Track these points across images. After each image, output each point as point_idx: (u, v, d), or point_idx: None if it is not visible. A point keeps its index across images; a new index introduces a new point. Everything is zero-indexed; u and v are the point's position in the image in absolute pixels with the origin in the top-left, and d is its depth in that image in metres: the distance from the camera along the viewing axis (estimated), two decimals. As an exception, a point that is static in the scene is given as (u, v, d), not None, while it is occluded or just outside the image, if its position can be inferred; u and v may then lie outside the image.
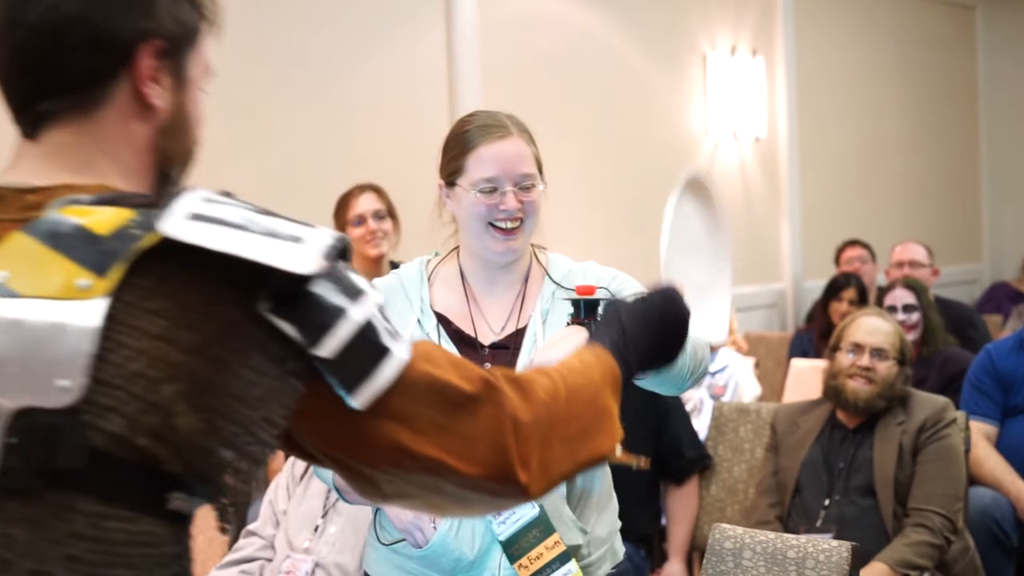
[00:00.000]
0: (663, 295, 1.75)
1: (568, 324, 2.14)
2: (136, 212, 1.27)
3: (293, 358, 1.28)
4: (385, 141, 5.56)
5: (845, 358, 4.04)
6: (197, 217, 1.26)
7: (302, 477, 3.30)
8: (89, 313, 1.21)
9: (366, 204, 4.75)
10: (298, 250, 1.26)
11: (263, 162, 5.02)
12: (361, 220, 4.72)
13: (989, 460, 4.56)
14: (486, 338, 2.51)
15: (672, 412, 4.44)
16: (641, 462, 1.74)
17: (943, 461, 3.84)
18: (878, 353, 4.00)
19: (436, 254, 2.64)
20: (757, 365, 6.34)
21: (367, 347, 1.30)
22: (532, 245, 2.58)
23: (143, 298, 1.23)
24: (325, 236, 1.29)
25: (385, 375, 1.30)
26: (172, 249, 1.24)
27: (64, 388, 1.21)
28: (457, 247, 2.61)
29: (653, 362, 1.71)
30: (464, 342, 2.49)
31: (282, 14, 5.24)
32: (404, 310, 2.51)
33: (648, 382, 2.38)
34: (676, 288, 1.77)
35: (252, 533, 3.31)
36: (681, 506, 4.45)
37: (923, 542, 3.68)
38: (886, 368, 3.97)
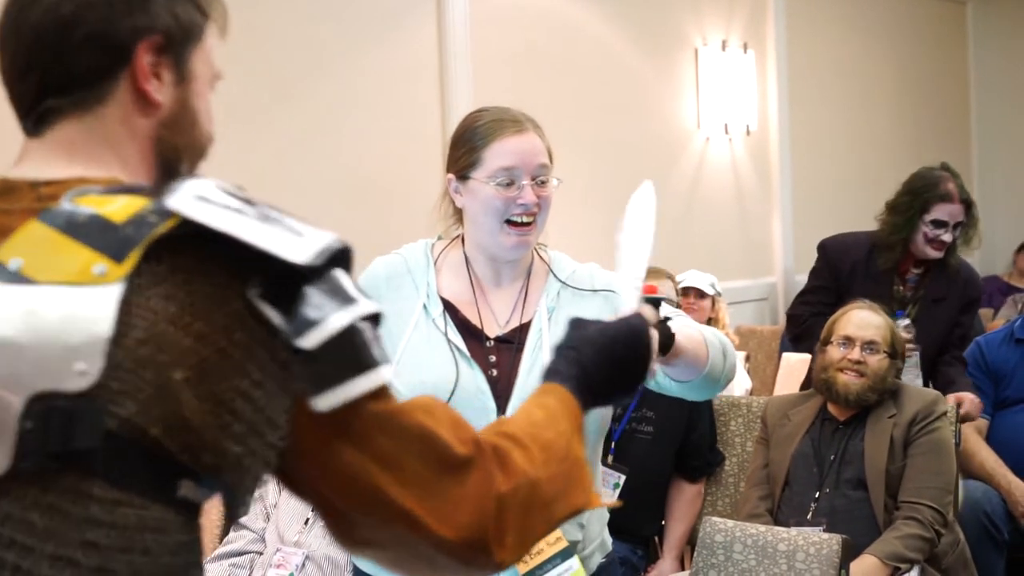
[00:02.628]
0: (629, 327, 1.71)
1: None
2: (150, 200, 1.30)
3: (294, 363, 1.30)
4: (376, 136, 5.56)
5: (836, 351, 4.04)
6: (203, 199, 1.29)
7: (293, 471, 3.30)
8: (106, 298, 1.23)
9: None
10: (296, 242, 1.28)
11: (252, 157, 5.01)
12: None
13: (980, 453, 4.57)
14: (492, 330, 2.50)
15: (704, 409, 4.45)
16: (615, 502, 1.78)
17: (934, 454, 3.84)
18: (869, 346, 4.00)
19: (439, 238, 2.62)
20: (748, 359, 6.35)
21: (350, 352, 1.30)
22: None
23: (155, 283, 1.25)
24: (327, 237, 1.30)
25: (359, 386, 1.30)
26: (185, 238, 1.27)
27: (82, 372, 1.23)
28: (461, 235, 2.58)
29: (608, 398, 1.68)
30: (470, 332, 2.49)
31: (272, 8, 5.23)
32: (410, 294, 2.50)
33: (678, 389, 2.41)
34: (642, 319, 1.74)
35: (242, 527, 3.31)
36: (687, 504, 4.44)
37: (913, 535, 3.68)
38: (877, 361, 3.98)
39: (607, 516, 2.61)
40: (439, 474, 1.34)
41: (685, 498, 4.45)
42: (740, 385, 5.62)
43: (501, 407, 2.42)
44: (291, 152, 5.17)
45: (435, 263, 2.55)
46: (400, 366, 2.43)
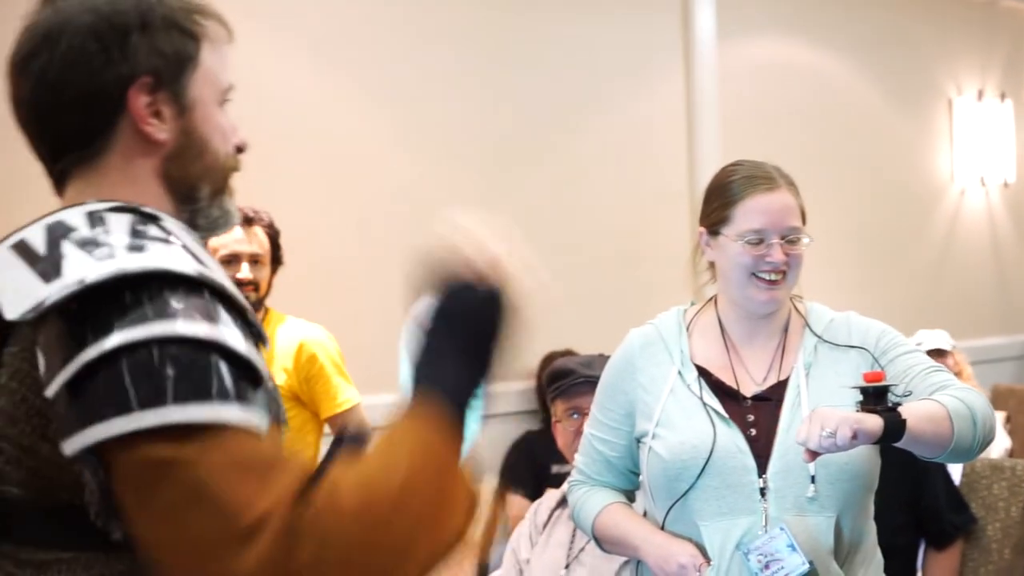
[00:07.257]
0: (487, 296, 1.49)
1: (858, 412, 2.14)
2: None
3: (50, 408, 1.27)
4: (624, 191, 5.58)
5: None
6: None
7: (544, 525, 3.30)
8: None
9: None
10: (29, 285, 1.26)
11: (502, 214, 5.08)
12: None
13: None
14: (748, 389, 2.50)
15: (931, 474, 4.28)
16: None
17: None
18: None
19: (692, 304, 2.64)
20: (1008, 420, 6.12)
21: (97, 395, 1.20)
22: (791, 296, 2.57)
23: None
24: (84, 270, 1.24)
25: (106, 430, 1.19)
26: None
27: None
28: (714, 297, 2.60)
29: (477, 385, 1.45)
30: (726, 394, 2.48)
31: (520, 64, 5.31)
32: (663, 361, 2.52)
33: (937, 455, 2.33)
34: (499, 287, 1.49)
35: None
36: (941, 572, 4.29)
37: None
38: None
39: None
40: (220, 542, 1.17)
41: (936, 565, 4.29)
42: (999, 446, 5.42)
43: (761, 465, 2.41)
44: (541, 207, 5.23)
45: (688, 329, 2.57)
46: (659, 429, 2.46)
